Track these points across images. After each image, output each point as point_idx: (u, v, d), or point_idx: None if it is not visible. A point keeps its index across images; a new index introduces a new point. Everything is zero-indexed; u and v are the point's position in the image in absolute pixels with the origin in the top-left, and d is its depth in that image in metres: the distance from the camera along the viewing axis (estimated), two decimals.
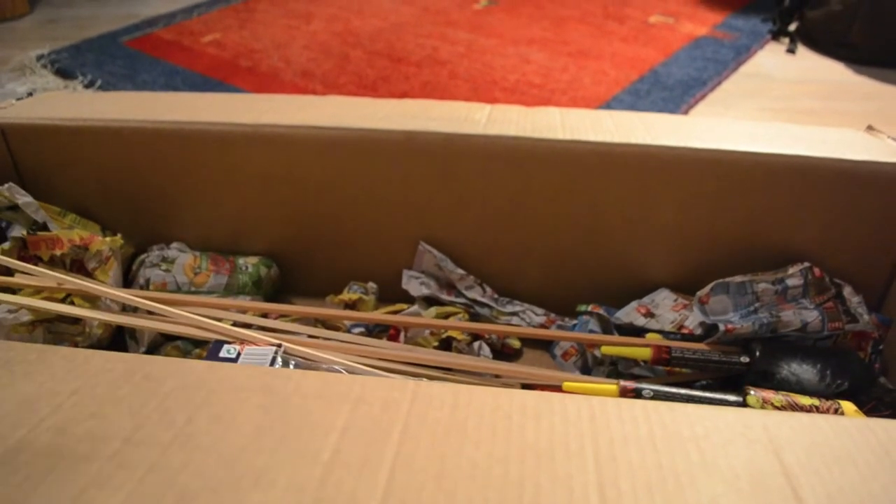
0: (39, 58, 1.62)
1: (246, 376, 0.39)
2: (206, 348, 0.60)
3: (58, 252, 0.64)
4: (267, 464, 0.33)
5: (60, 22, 1.95)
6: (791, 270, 0.63)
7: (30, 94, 0.75)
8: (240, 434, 0.35)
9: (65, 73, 1.55)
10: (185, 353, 0.66)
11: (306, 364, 0.58)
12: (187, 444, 0.34)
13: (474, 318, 0.70)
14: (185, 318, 0.59)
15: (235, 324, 0.62)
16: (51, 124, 0.69)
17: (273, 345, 0.58)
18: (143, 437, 0.35)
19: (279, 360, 0.56)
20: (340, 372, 0.57)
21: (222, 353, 0.57)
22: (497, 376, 0.61)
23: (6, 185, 0.67)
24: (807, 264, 0.62)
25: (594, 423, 0.36)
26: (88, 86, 1.47)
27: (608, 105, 1.35)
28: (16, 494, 0.31)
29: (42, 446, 0.34)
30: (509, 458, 0.34)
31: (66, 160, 0.70)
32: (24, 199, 0.67)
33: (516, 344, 0.68)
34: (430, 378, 0.60)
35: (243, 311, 0.65)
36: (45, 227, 0.67)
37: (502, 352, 0.68)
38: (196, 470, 0.33)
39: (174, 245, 0.74)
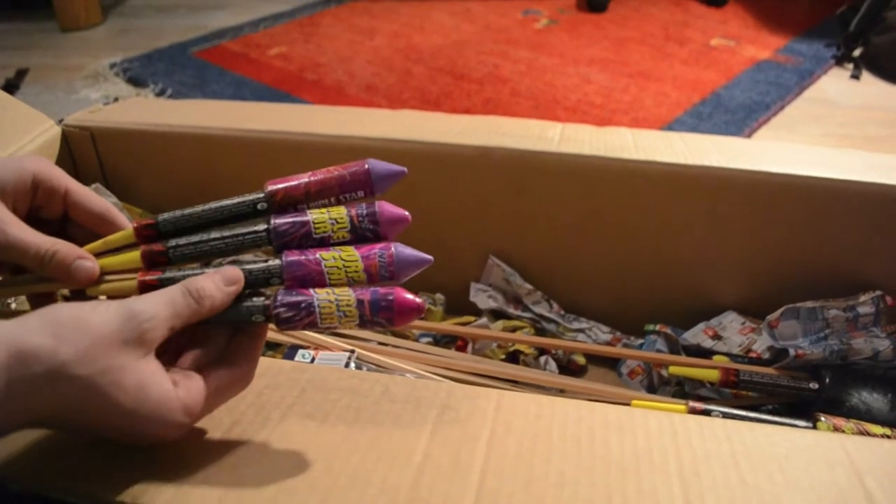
0: (112, 66, 1.68)
1: (335, 378, 0.40)
2: (281, 351, 0.61)
3: None
4: (361, 463, 0.34)
5: (132, 32, 2.01)
6: (862, 298, 0.62)
7: (115, 100, 0.78)
8: (333, 433, 0.36)
9: (136, 82, 1.60)
10: None
11: (378, 371, 0.59)
12: (283, 441, 0.36)
13: (540, 333, 0.70)
14: None
15: None
16: (137, 129, 0.72)
17: (346, 350, 0.59)
18: (240, 432, 0.36)
19: (352, 365, 0.58)
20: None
21: (297, 358, 0.59)
22: (562, 391, 0.61)
23: (93, 186, 0.70)
24: (878, 292, 0.62)
25: (676, 439, 0.37)
26: (159, 94, 1.52)
27: (670, 127, 1.34)
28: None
29: None
30: (594, 469, 0.34)
31: (149, 164, 0.73)
32: (109, 199, 0.70)
33: (581, 360, 0.69)
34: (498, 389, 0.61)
35: None
36: None
37: (568, 367, 0.69)
38: (293, 466, 0.34)
39: None
